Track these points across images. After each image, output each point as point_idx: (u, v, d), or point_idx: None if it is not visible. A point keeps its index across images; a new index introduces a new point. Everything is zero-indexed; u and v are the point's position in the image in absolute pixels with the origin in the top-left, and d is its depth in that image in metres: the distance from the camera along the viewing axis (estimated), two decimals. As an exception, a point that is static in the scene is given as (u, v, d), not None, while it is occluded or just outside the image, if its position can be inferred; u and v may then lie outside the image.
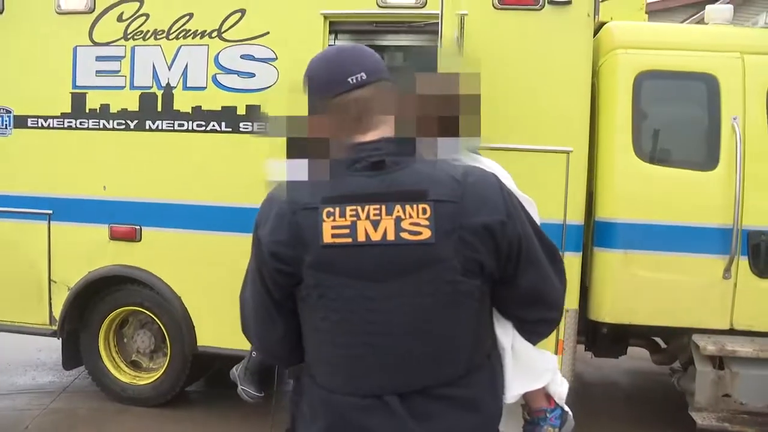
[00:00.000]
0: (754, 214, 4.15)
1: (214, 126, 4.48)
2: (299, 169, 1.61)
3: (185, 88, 4.50)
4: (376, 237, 1.51)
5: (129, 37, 4.54)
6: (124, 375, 4.96)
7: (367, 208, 1.52)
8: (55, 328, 4.83)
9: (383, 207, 1.52)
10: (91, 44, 4.59)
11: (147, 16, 4.50)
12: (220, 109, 4.46)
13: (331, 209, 1.53)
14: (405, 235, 1.51)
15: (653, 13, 8.65)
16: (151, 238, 4.64)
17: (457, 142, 1.62)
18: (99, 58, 4.59)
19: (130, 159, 4.62)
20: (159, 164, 4.58)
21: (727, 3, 10.29)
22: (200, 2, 4.45)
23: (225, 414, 4.77)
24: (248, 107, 4.42)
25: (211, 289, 4.56)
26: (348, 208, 1.52)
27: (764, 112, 4.19)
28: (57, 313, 4.81)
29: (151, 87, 4.54)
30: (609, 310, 4.33)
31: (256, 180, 4.25)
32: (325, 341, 1.61)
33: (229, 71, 4.43)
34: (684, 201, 4.23)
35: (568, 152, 4.06)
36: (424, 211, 1.52)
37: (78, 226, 4.73)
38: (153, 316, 4.80)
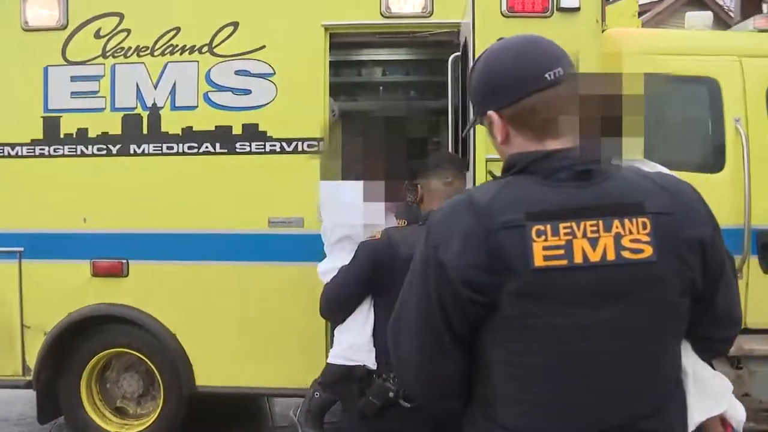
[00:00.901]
0: (762, 213, 4.20)
1: (207, 148, 4.16)
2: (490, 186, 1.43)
3: (174, 108, 4.17)
4: (594, 257, 1.32)
5: (108, 54, 4.16)
6: (110, 424, 4.50)
7: (582, 224, 1.33)
8: (29, 378, 4.34)
9: (600, 222, 1.34)
10: (65, 63, 4.19)
11: (128, 31, 4.14)
12: (213, 129, 4.15)
13: (542, 227, 1.32)
14: (626, 254, 1.33)
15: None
16: (140, 272, 4.25)
17: (640, 142, 1.52)
18: (74, 78, 4.19)
19: (113, 187, 4.22)
20: (147, 191, 4.21)
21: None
22: (188, 16, 4.14)
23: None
24: (245, 126, 4.13)
25: (210, 324, 4.23)
26: (561, 225, 1.33)
27: (765, 114, 4.26)
28: (31, 361, 4.32)
29: (134, 108, 4.18)
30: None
31: (257, 204, 4.09)
32: (520, 377, 1.40)
33: (222, 88, 4.13)
34: (693, 204, 4.23)
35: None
36: (644, 226, 1.34)
37: (54, 264, 4.29)
38: (143, 357, 4.38)
